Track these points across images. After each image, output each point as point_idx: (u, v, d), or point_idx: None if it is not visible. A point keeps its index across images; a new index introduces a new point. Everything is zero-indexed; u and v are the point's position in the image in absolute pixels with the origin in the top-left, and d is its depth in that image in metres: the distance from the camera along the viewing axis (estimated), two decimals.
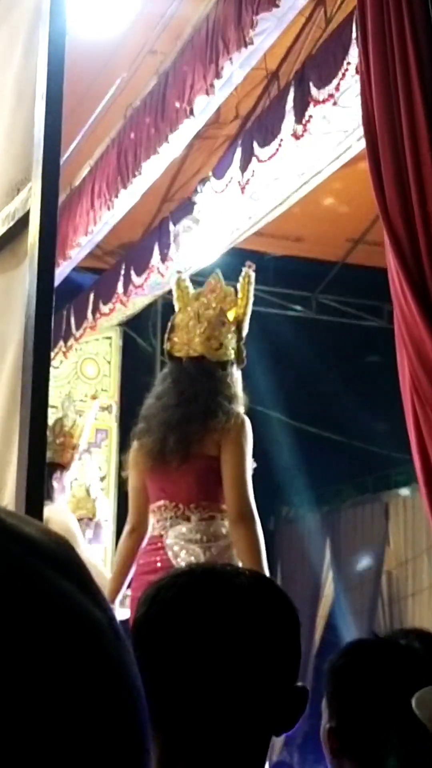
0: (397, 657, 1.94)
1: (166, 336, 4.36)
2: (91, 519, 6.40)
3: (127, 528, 4.36)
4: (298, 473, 10.45)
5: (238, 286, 4.38)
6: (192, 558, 3.92)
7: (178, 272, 4.69)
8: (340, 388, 9.59)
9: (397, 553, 11.36)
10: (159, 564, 4.02)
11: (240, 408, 4.14)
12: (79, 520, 6.39)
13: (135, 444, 4.28)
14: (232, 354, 4.25)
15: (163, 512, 4.09)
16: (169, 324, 4.36)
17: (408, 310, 3.56)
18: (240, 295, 4.34)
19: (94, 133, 6.69)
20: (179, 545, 4.00)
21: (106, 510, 6.67)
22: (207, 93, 5.19)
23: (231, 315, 4.28)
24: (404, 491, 11.20)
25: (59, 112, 2.27)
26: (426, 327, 3.45)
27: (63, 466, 5.82)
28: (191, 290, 4.42)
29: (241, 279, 4.40)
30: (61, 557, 0.52)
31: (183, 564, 3.86)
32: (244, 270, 4.42)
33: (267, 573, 3.92)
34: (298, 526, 12.34)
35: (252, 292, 4.36)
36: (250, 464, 4.04)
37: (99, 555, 6.43)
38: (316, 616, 11.64)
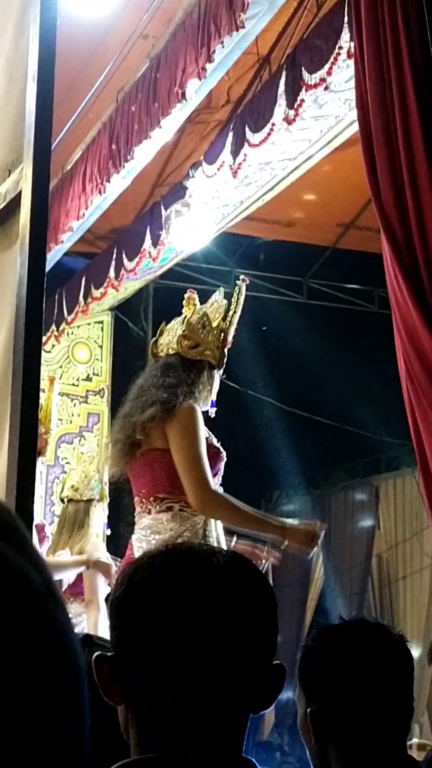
0: (369, 636, 1.95)
1: (153, 340, 4.42)
2: (100, 501, 6.36)
3: None
4: (289, 457, 10.48)
5: (232, 298, 4.41)
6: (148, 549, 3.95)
7: (191, 291, 4.71)
8: (330, 373, 9.61)
9: (388, 537, 11.40)
10: (129, 558, 4.08)
11: (196, 402, 4.13)
12: (89, 500, 6.34)
13: (105, 443, 4.39)
14: (209, 356, 4.27)
15: (136, 507, 4.16)
16: (159, 330, 4.42)
17: (401, 296, 3.57)
18: (232, 305, 4.37)
19: (86, 117, 6.67)
20: (140, 539, 4.05)
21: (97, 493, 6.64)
22: (198, 77, 5.18)
23: (215, 322, 4.32)
24: (395, 475, 11.24)
25: (50, 93, 2.28)
26: (418, 314, 3.47)
27: (39, 453, 5.84)
28: (197, 305, 4.46)
29: (235, 293, 4.43)
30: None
31: None
32: (239, 283, 4.44)
33: (265, 523, 4.01)
34: (288, 509, 12.37)
35: (242, 304, 4.39)
36: (201, 450, 3.98)
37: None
38: (307, 599, 11.69)
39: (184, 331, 4.24)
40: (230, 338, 4.34)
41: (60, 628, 0.55)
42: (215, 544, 3.98)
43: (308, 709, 1.90)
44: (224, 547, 4.00)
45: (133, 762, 1.27)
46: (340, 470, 12.22)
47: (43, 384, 6.59)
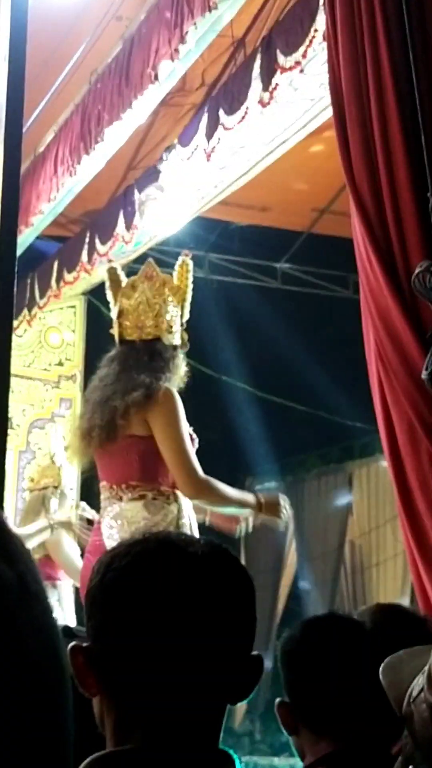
0: (348, 632, 1.95)
1: (114, 321, 4.35)
2: (56, 487, 6.39)
3: None
4: (262, 443, 10.48)
5: (175, 273, 4.37)
6: (120, 538, 3.94)
7: (111, 264, 4.69)
8: (304, 359, 9.61)
9: (361, 523, 11.44)
10: (96, 544, 4.06)
11: (172, 386, 4.12)
12: (44, 488, 6.38)
13: (72, 429, 4.35)
14: (178, 338, 4.26)
15: (102, 493, 4.13)
16: (116, 310, 4.35)
17: (374, 277, 3.55)
18: (177, 282, 4.33)
19: (59, 98, 6.61)
20: (110, 526, 4.03)
21: (71, 478, 6.66)
22: (171, 58, 5.14)
23: (175, 300, 4.29)
24: (368, 462, 11.26)
25: (22, 74, 2.25)
26: (391, 295, 3.45)
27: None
28: (124, 280, 4.40)
29: (177, 267, 4.38)
30: None
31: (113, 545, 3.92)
32: (181, 258, 4.40)
33: (247, 499, 4.16)
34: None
35: (191, 279, 4.35)
36: (185, 435, 3.99)
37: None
38: (280, 585, 11.72)
39: (157, 314, 4.22)
40: (186, 317, 4.34)
41: (33, 622, 0.53)
42: (189, 533, 3.97)
43: (279, 700, 1.90)
44: (195, 533, 4.00)
45: (109, 754, 1.25)
46: (314, 456, 12.23)
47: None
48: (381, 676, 1.67)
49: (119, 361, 4.22)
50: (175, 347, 4.23)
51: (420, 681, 1.58)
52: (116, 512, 4.02)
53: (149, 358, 4.13)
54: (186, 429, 4.02)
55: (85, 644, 1.29)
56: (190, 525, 4.03)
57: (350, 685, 1.87)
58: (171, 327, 4.23)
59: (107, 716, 1.28)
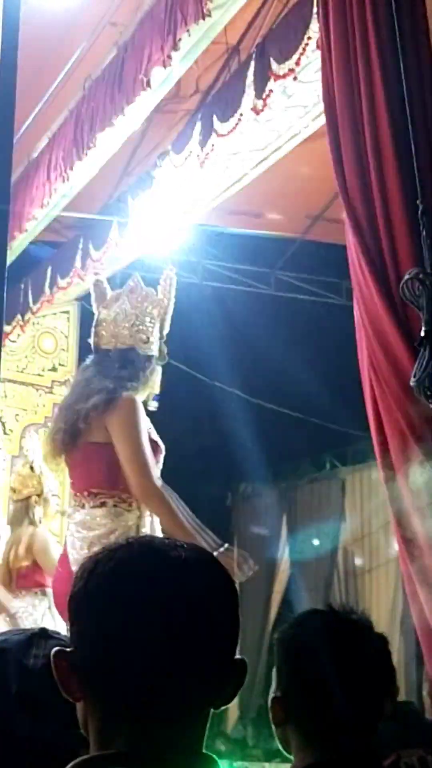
0: (345, 629, 1.94)
1: (92, 330, 4.38)
2: (39, 495, 6.40)
3: None
4: (256, 449, 10.47)
5: (159, 287, 4.39)
6: (81, 546, 3.95)
7: (97, 278, 4.74)
8: (298, 365, 9.61)
9: (353, 530, 11.44)
10: (62, 554, 4.12)
11: (136, 394, 4.13)
12: (27, 497, 6.38)
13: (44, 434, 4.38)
14: (155, 350, 4.27)
15: (70, 501, 4.15)
16: (95, 319, 4.39)
17: (365, 284, 3.56)
18: (160, 296, 4.35)
19: (53, 104, 6.62)
20: (72, 534, 4.05)
21: (53, 485, 6.66)
22: (164, 65, 5.15)
23: (155, 312, 4.32)
24: (361, 468, 11.27)
25: (13, 80, 2.25)
26: (382, 302, 3.46)
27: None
28: (109, 293, 4.43)
29: (161, 281, 4.41)
30: None
31: (74, 554, 3.97)
32: (165, 272, 4.43)
33: (195, 536, 3.89)
34: (255, 502, 12.38)
35: (173, 293, 4.38)
36: (144, 442, 4.00)
37: (49, 529, 6.48)
38: (272, 591, 11.72)
39: (133, 324, 4.25)
40: (166, 330, 4.36)
41: None
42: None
43: (273, 695, 1.90)
44: None
45: (93, 758, 1.25)
46: (307, 463, 12.24)
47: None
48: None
49: (92, 369, 4.26)
50: (149, 358, 4.25)
51: None
52: (79, 519, 4.04)
53: (120, 366, 4.16)
54: (144, 435, 4.03)
55: (68, 649, 1.30)
56: (153, 532, 4.02)
57: (344, 682, 1.86)
58: (147, 338, 4.26)
59: (91, 720, 1.28)
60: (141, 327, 4.26)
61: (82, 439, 4.05)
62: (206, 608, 1.28)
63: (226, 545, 4.13)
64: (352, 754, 1.87)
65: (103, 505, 4.01)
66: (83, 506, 4.05)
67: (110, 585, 1.28)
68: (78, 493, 4.09)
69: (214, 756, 1.30)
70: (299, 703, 1.88)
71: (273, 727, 1.93)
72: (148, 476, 3.97)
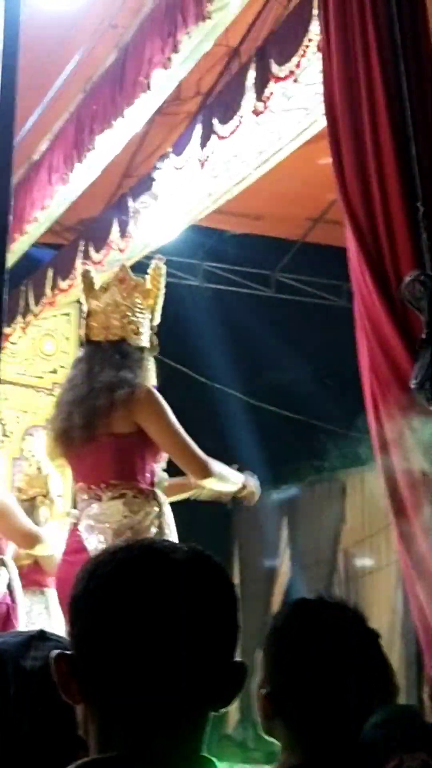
0: (338, 619, 1.93)
1: (82, 322, 4.37)
2: (44, 496, 6.39)
3: None
4: (255, 452, 10.47)
5: (147, 277, 4.38)
6: (101, 538, 3.94)
7: (86, 268, 4.74)
8: (298, 367, 9.62)
9: (354, 532, 11.42)
10: (75, 546, 4.06)
11: (149, 385, 4.15)
12: (33, 498, 6.37)
13: (47, 433, 4.35)
14: (146, 341, 4.27)
15: (80, 494, 4.13)
16: (85, 310, 4.37)
17: (365, 287, 3.56)
18: (150, 286, 4.34)
19: (54, 106, 6.63)
20: (89, 527, 4.02)
21: (59, 486, 6.66)
22: (164, 67, 5.15)
23: (145, 303, 4.31)
24: (362, 470, 11.25)
25: (14, 82, 2.25)
26: (382, 304, 3.46)
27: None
28: (97, 283, 4.42)
29: (150, 271, 4.39)
30: None
31: (92, 546, 3.95)
32: (154, 262, 4.42)
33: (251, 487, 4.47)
34: (255, 504, 12.35)
35: (163, 284, 4.37)
36: (179, 426, 4.05)
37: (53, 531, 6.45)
38: (273, 594, 11.70)
39: (124, 315, 4.24)
40: (156, 321, 4.35)
41: None
42: (169, 531, 3.99)
43: (264, 691, 1.88)
44: (174, 531, 4.02)
45: (92, 761, 1.25)
46: (307, 465, 12.22)
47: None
48: None
49: (86, 361, 4.25)
50: (142, 349, 4.24)
51: None
52: (95, 512, 4.01)
53: (120, 357, 4.15)
54: (174, 419, 4.06)
55: (68, 652, 1.30)
56: (170, 524, 4.04)
57: (334, 677, 1.85)
58: (138, 329, 4.25)
59: (91, 723, 1.28)
60: (132, 318, 4.24)
61: (101, 431, 4.04)
62: (206, 611, 1.28)
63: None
64: (340, 755, 1.86)
65: (122, 496, 3.98)
66: (99, 499, 4.02)
67: (110, 587, 1.28)
68: (92, 486, 4.06)
69: (213, 759, 1.30)
70: (289, 699, 1.86)
71: (260, 719, 1.92)
72: (204, 461, 4.09)
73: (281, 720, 1.88)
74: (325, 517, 11.70)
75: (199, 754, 1.28)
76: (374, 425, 3.60)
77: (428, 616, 3.31)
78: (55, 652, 1.29)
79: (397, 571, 10.65)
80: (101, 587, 1.28)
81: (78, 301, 9.01)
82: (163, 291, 4.37)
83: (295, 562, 11.80)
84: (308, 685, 1.84)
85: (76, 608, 1.31)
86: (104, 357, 4.17)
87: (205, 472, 4.09)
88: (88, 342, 4.31)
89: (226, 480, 4.28)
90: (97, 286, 4.38)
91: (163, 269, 4.40)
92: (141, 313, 4.28)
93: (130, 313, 4.24)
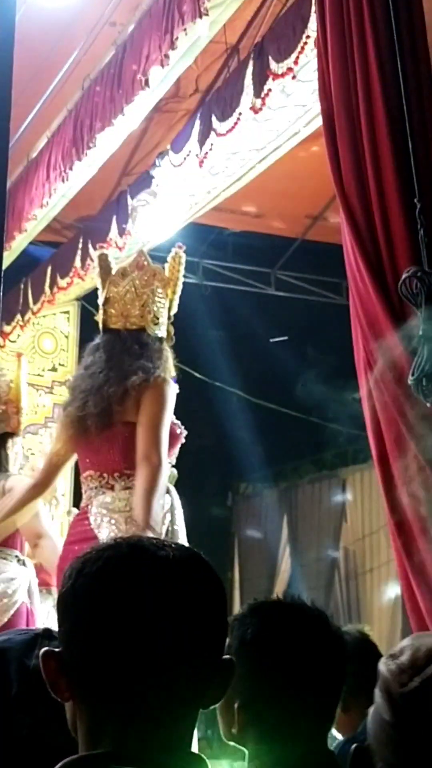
0: (302, 623, 1.91)
1: (100, 308, 4.32)
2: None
3: (30, 482, 4.43)
4: (256, 449, 10.48)
5: (167, 265, 4.33)
6: (114, 527, 3.91)
7: (102, 251, 4.66)
8: (298, 364, 9.61)
9: (354, 529, 11.43)
10: (83, 534, 4.00)
11: (167, 376, 4.11)
12: None
13: (61, 414, 4.30)
14: (164, 331, 4.24)
15: (89, 482, 4.08)
16: (103, 297, 4.31)
17: (362, 283, 3.56)
18: (168, 274, 4.30)
19: (52, 104, 6.62)
20: (101, 515, 3.98)
21: (62, 485, 6.65)
22: (162, 64, 5.14)
23: (164, 292, 4.26)
24: (362, 468, 11.25)
25: (8, 80, 2.25)
26: (380, 301, 3.45)
27: (13, 434, 5.73)
28: (114, 268, 4.37)
29: (170, 259, 4.35)
30: None
31: (104, 534, 3.89)
32: (174, 250, 4.37)
33: (156, 518, 3.83)
34: (255, 502, 12.37)
35: (182, 273, 4.32)
36: (167, 422, 3.98)
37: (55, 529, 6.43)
38: (273, 591, 11.70)
39: (145, 304, 4.20)
40: (174, 311, 4.32)
41: None
42: (180, 523, 3.98)
43: (236, 704, 1.85)
44: (182, 524, 3.99)
45: (82, 758, 1.26)
46: (307, 462, 12.22)
47: (11, 362, 6.57)
48: None
49: (105, 349, 4.19)
50: (160, 339, 4.21)
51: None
52: (106, 501, 3.98)
53: (140, 347, 4.11)
54: (169, 418, 4.00)
55: (57, 649, 1.29)
56: (181, 516, 4.03)
57: (304, 682, 1.83)
58: (157, 318, 4.21)
59: (79, 720, 1.28)
60: (152, 307, 4.20)
61: (115, 419, 4.00)
62: (194, 608, 1.28)
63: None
64: (312, 761, 1.84)
65: (134, 487, 3.95)
66: (111, 488, 3.98)
67: (98, 585, 1.28)
68: (105, 474, 4.02)
69: (203, 756, 1.30)
70: (263, 709, 1.84)
71: (225, 729, 1.90)
72: (157, 447, 3.89)
73: (253, 729, 1.86)
74: (326, 514, 11.70)
75: (188, 751, 1.28)
76: (370, 422, 3.60)
77: (425, 614, 3.30)
78: (44, 649, 1.29)
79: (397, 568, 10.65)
80: (89, 585, 1.28)
81: (77, 299, 9.05)
82: (181, 280, 4.32)
83: (295, 560, 11.81)
84: (279, 694, 1.83)
85: (63, 605, 1.31)
86: (123, 346, 4.13)
87: (143, 458, 3.87)
88: (105, 329, 4.26)
89: (151, 497, 3.83)
90: (113, 271, 4.33)
91: (183, 257, 4.35)
92: (160, 301, 4.23)
93: (150, 302, 4.20)
